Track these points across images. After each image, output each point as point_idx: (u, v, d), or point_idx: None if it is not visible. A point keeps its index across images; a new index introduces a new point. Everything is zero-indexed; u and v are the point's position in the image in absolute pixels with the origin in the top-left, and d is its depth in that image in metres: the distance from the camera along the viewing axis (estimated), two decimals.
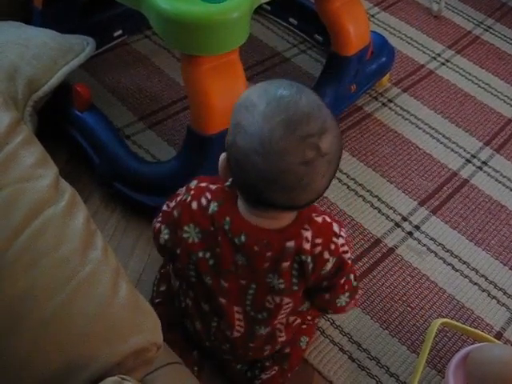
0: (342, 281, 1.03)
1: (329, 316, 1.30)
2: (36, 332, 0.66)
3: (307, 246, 0.95)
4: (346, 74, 1.64)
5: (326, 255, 0.97)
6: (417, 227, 1.51)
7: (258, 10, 1.97)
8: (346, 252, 1.00)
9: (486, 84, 1.97)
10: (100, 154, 1.41)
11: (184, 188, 1.05)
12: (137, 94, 1.69)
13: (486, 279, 1.44)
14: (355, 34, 1.60)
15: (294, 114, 0.84)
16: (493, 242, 1.52)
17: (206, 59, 1.23)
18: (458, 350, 1.25)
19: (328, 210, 1.50)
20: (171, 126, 1.62)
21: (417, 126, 1.77)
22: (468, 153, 1.73)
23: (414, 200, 1.57)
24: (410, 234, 1.50)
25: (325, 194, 1.49)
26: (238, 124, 0.88)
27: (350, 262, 1.02)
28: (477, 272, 1.45)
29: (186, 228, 0.99)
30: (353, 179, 1.59)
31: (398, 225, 1.51)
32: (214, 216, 0.96)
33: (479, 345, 1.21)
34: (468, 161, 1.71)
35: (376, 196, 1.56)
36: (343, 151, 1.64)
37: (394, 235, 1.48)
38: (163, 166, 1.40)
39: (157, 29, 1.25)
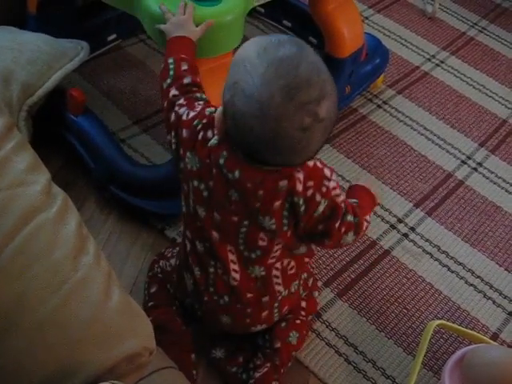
0: (337, 224, 1.02)
1: (324, 319, 1.30)
2: (28, 337, 0.66)
3: (300, 187, 0.96)
4: (341, 76, 1.64)
5: (318, 197, 0.97)
6: (412, 229, 1.51)
7: (252, 13, 1.97)
8: (338, 195, 1.00)
9: (481, 85, 1.97)
10: (95, 158, 1.41)
11: (202, 106, 1.02)
12: (132, 97, 1.69)
13: (482, 280, 1.44)
14: (349, 35, 1.60)
15: (293, 79, 0.84)
16: (488, 242, 1.52)
17: (200, 62, 1.23)
18: (454, 352, 1.25)
19: None
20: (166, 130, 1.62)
21: (412, 128, 1.78)
22: (463, 154, 1.73)
23: (410, 202, 1.57)
24: (406, 235, 1.50)
25: None
26: (236, 83, 0.87)
27: (342, 204, 1.02)
28: (473, 273, 1.45)
29: (188, 154, 1.00)
30: (348, 181, 1.59)
31: (393, 226, 1.51)
32: (211, 149, 0.97)
33: (475, 346, 1.20)
34: (463, 162, 1.71)
35: None
36: (339, 153, 1.65)
37: (389, 237, 1.48)
38: (158, 170, 1.40)
39: (150, 32, 1.25)
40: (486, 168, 1.71)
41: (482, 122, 1.85)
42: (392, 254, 1.45)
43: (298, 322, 1.20)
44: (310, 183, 0.96)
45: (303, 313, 1.22)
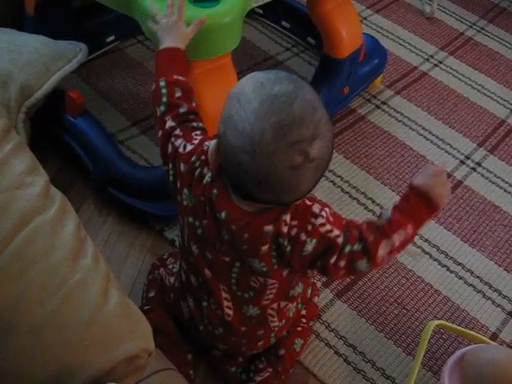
0: (333, 260, 0.95)
1: (324, 319, 1.30)
2: (26, 339, 0.66)
3: (285, 228, 0.93)
4: (339, 77, 1.64)
5: (303, 237, 0.93)
6: None
7: (251, 14, 1.97)
8: (330, 231, 0.94)
9: (480, 85, 1.97)
10: (94, 160, 1.41)
11: (199, 139, 1.00)
12: (130, 99, 1.69)
13: (481, 280, 1.44)
14: (347, 36, 1.60)
15: (286, 116, 0.82)
16: (487, 242, 1.52)
17: (199, 63, 1.23)
18: (453, 352, 1.24)
19: None
20: None
21: (410, 128, 1.78)
22: (462, 154, 1.73)
23: None
24: None
25: (318, 198, 1.50)
26: (230, 117, 0.86)
27: (339, 239, 0.94)
28: (472, 273, 1.45)
29: (185, 190, 0.98)
30: (346, 182, 1.59)
31: None
32: (206, 186, 0.96)
33: (474, 346, 1.20)
34: (462, 162, 1.71)
35: (370, 198, 1.56)
36: (337, 154, 1.65)
37: None
38: (157, 171, 1.40)
39: (149, 34, 1.25)
40: (484, 168, 1.71)
41: (480, 121, 1.85)
42: None
43: (300, 329, 1.20)
44: (294, 222, 0.93)
45: (304, 320, 1.22)
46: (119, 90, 1.71)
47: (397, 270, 1.42)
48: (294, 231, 0.93)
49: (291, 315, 1.14)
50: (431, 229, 1.52)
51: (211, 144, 0.93)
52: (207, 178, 0.96)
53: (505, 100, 1.94)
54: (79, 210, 1.41)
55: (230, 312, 1.05)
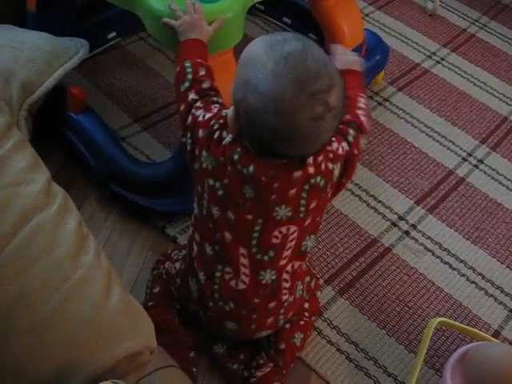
0: (355, 163, 1.09)
1: (326, 317, 1.30)
2: (28, 337, 0.66)
3: (312, 169, 0.99)
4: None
5: (330, 166, 1.02)
6: (413, 226, 1.51)
7: (252, 10, 1.97)
8: (343, 148, 1.05)
9: (482, 82, 1.97)
10: (96, 156, 1.41)
11: (218, 108, 1.05)
12: (132, 96, 1.69)
13: (484, 277, 1.43)
14: (349, 31, 1.60)
15: (302, 72, 0.88)
16: (490, 240, 1.52)
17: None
18: (455, 350, 1.24)
19: (324, 210, 1.49)
20: (166, 128, 1.62)
21: (412, 125, 1.77)
22: (464, 151, 1.73)
23: (411, 199, 1.57)
24: (407, 233, 1.49)
25: None
26: (248, 82, 0.90)
27: (355, 150, 1.07)
28: (474, 270, 1.44)
29: (204, 153, 1.02)
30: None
31: (394, 224, 1.51)
32: (226, 147, 0.99)
33: (477, 344, 1.20)
34: (464, 159, 1.71)
35: (372, 195, 1.56)
36: None
37: (390, 234, 1.48)
38: (159, 167, 1.40)
39: (151, 30, 1.25)
40: (487, 165, 1.70)
41: (482, 119, 1.84)
42: (393, 251, 1.45)
43: (302, 323, 1.20)
44: (320, 158, 1.00)
45: (307, 314, 1.22)
46: (121, 87, 1.71)
47: (399, 268, 1.42)
48: (322, 166, 1.01)
49: (298, 296, 1.14)
50: (433, 226, 1.52)
51: (229, 111, 0.97)
52: (227, 139, 0.99)
53: (507, 97, 1.93)
54: (81, 207, 1.41)
55: (246, 279, 1.06)
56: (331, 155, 1.02)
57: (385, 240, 1.47)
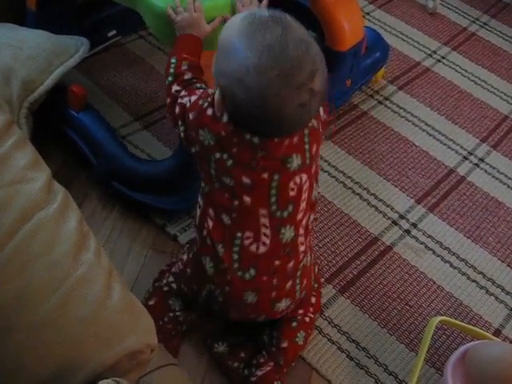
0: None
1: (327, 315, 1.30)
2: (29, 335, 0.66)
3: None
4: (341, 70, 1.63)
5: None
6: (414, 225, 1.51)
7: None
8: None
9: (483, 81, 1.97)
10: (97, 154, 1.41)
11: (202, 91, 1.08)
12: (132, 94, 1.69)
13: (484, 276, 1.43)
14: (349, 28, 1.59)
15: (285, 65, 0.90)
16: (490, 238, 1.52)
17: (202, 55, 1.23)
18: (456, 348, 1.24)
19: (325, 209, 1.50)
20: (167, 127, 1.61)
21: (413, 124, 1.77)
22: (465, 150, 1.73)
23: (411, 198, 1.57)
24: (408, 231, 1.49)
25: (321, 193, 1.51)
26: (232, 74, 0.93)
27: None
28: (475, 269, 1.44)
29: (201, 132, 1.03)
30: (349, 177, 1.58)
31: (395, 223, 1.50)
32: (225, 124, 1.00)
33: (478, 342, 1.20)
34: (465, 158, 1.70)
35: (373, 194, 1.56)
36: (340, 149, 1.65)
37: (391, 233, 1.48)
38: (160, 165, 1.40)
39: (152, 27, 1.25)
40: (487, 164, 1.70)
41: (483, 117, 1.84)
42: (394, 250, 1.45)
43: (307, 319, 1.20)
44: None
45: (311, 309, 1.22)
46: (121, 86, 1.70)
47: (400, 266, 1.42)
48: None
49: (309, 263, 1.16)
50: (434, 224, 1.52)
51: (216, 94, 0.99)
52: (225, 118, 1.00)
53: (508, 96, 1.93)
54: (82, 205, 1.40)
55: (267, 241, 1.07)
56: None
57: (385, 239, 1.47)
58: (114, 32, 1.78)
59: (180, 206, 1.38)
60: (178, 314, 1.19)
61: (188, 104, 1.06)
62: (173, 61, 1.14)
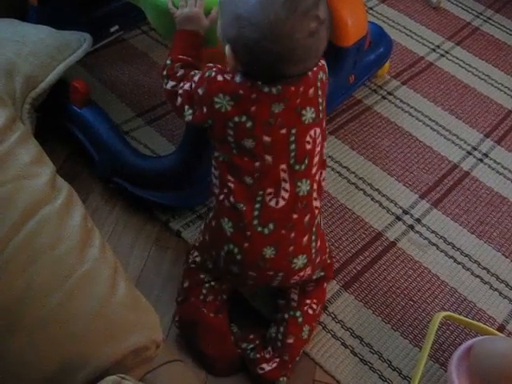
0: None
1: (331, 311, 1.30)
2: (34, 331, 0.65)
3: (321, 62, 1.09)
4: (345, 65, 1.63)
5: (322, 61, 1.10)
6: (418, 220, 1.51)
7: None
8: None
9: (486, 75, 1.96)
10: (99, 150, 1.41)
11: (200, 72, 1.10)
12: (135, 90, 1.68)
13: (488, 271, 1.43)
14: (353, 24, 1.58)
15: None
16: (494, 234, 1.51)
17: (204, 51, 1.22)
18: (460, 344, 1.24)
19: (328, 204, 1.49)
20: (170, 122, 1.61)
21: (417, 119, 1.77)
22: (469, 145, 1.72)
23: (415, 193, 1.57)
24: (412, 227, 1.49)
25: (325, 188, 1.51)
26: (239, 17, 0.96)
27: None
28: (479, 264, 1.44)
29: (216, 99, 1.05)
30: (353, 173, 1.58)
31: (399, 218, 1.50)
32: (242, 81, 1.03)
33: (482, 338, 1.20)
34: (469, 153, 1.70)
35: (377, 189, 1.55)
36: (344, 144, 1.64)
37: (395, 229, 1.48)
38: (163, 161, 1.40)
39: (154, 22, 1.24)
40: (491, 159, 1.70)
41: (487, 112, 1.83)
42: (398, 245, 1.44)
43: (311, 311, 1.20)
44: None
45: (314, 301, 1.21)
46: (124, 81, 1.70)
47: (403, 262, 1.41)
48: (319, 62, 1.09)
49: (321, 226, 1.19)
50: (438, 220, 1.51)
51: (226, 50, 1.02)
52: (237, 79, 1.03)
53: (511, 90, 1.93)
54: (85, 201, 1.40)
55: (286, 195, 1.09)
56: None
57: (389, 234, 1.46)
58: (116, 27, 1.77)
59: (183, 201, 1.38)
60: (213, 283, 1.20)
61: (193, 85, 1.09)
62: (168, 62, 1.16)
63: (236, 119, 1.04)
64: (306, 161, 1.10)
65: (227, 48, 1.01)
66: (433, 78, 1.91)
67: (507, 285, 1.41)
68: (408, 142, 1.70)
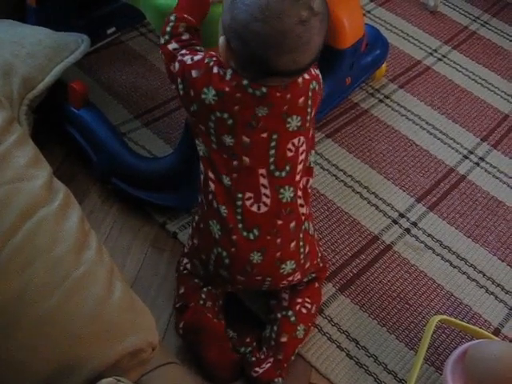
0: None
1: (326, 314, 1.30)
2: (30, 333, 0.65)
3: (307, 76, 1.08)
4: (342, 67, 1.63)
5: (316, 71, 1.11)
6: (414, 224, 1.51)
7: None
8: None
9: (483, 79, 1.96)
10: (97, 151, 1.41)
11: (204, 52, 1.09)
12: (132, 91, 1.68)
13: (484, 275, 1.43)
14: (350, 26, 1.59)
15: None
16: (490, 237, 1.52)
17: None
18: (456, 347, 1.25)
19: (325, 207, 1.50)
20: (167, 124, 1.61)
21: (414, 122, 1.77)
22: (465, 149, 1.73)
23: (411, 196, 1.57)
24: (408, 230, 1.49)
25: (321, 192, 1.51)
26: (233, 1, 0.97)
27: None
28: (475, 268, 1.44)
29: (205, 89, 1.05)
30: (350, 176, 1.58)
31: (395, 221, 1.50)
32: (229, 80, 1.04)
33: (477, 341, 1.20)
34: (465, 157, 1.70)
35: (373, 193, 1.56)
36: (340, 148, 1.65)
37: (391, 232, 1.48)
38: (161, 162, 1.40)
39: (154, 24, 1.24)
40: (487, 163, 1.70)
41: (484, 116, 1.84)
42: (394, 248, 1.45)
43: (305, 310, 1.20)
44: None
45: (308, 299, 1.22)
46: (121, 83, 1.70)
47: (399, 265, 1.42)
48: (312, 71, 1.09)
49: (311, 231, 1.18)
50: (434, 223, 1.52)
51: (220, 41, 1.03)
52: (228, 76, 1.04)
53: (508, 95, 1.93)
54: (82, 203, 1.40)
55: (268, 201, 1.09)
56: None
57: (386, 237, 1.47)
58: (113, 29, 1.77)
59: (180, 203, 1.38)
60: (210, 288, 1.20)
61: (190, 61, 1.07)
62: (172, 18, 1.13)
63: (218, 114, 1.05)
64: (288, 168, 1.09)
65: (221, 38, 1.02)
66: (430, 81, 1.92)
67: (503, 288, 1.41)
68: (405, 145, 1.70)
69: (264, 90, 1.03)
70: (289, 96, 1.05)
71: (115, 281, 0.72)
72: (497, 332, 1.33)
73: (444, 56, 2.03)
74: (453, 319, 1.29)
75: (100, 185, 1.44)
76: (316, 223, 1.45)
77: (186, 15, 1.13)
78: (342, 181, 1.57)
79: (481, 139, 1.76)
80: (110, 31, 1.76)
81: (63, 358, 0.65)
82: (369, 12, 2.14)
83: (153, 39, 1.83)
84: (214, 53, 1.08)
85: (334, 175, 1.58)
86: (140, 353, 0.69)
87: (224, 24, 1.00)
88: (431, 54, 2.03)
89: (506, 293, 1.41)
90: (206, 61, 1.06)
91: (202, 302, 1.18)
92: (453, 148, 1.72)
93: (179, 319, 1.19)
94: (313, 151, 1.17)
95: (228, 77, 1.04)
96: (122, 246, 1.35)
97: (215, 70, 1.05)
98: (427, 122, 1.78)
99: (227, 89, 1.03)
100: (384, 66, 1.84)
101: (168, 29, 1.13)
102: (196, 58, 1.08)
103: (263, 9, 0.94)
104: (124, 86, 1.69)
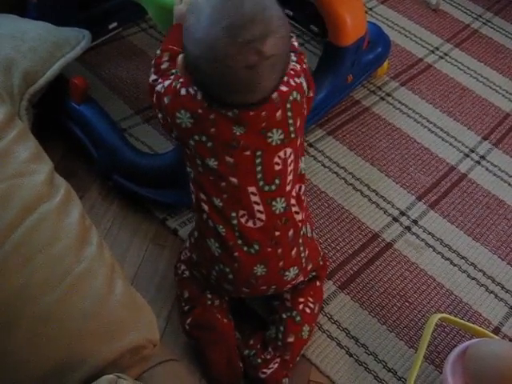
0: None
1: (326, 311, 1.30)
2: (31, 329, 0.65)
3: (284, 88, 1.02)
4: (343, 65, 1.63)
5: (297, 80, 1.05)
6: (415, 222, 1.51)
7: None
8: (295, 66, 1.07)
9: (485, 78, 1.96)
10: (98, 147, 1.41)
11: (175, 75, 1.07)
12: (133, 87, 1.68)
13: (484, 274, 1.43)
14: (352, 23, 1.58)
15: (236, 19, 0.89)
16: (491, 236, 1.51)
17: None
18: (455, 346, 1.24)
19: (325, 205, 1.49)
20: None
21: (415, 120, 1.77)
22: (466, 147, 1.72)
23: (412, 194, 1.57)
24: (408, 228, 1.49)
25: (322, 189, 1.51)
26: (188, 29, 0.94)
27: (303, 64, 1.11)
28: (475, 267, 1.44)
29: (178, 114, 1.02)
30: (350, 173, 1.58)
31: (395, 219, 1.50)
32: (201, 101, 1.00)
33: (477, 340, 1.20)
34: (466, 155, 1.70)
35: (374, 190, 1.56)
36: (341, 145, 1.64)
37: (391, 230, 1.48)
38: (161, 158, 1.40)
39: (156, 20, 1.24)
40: (489, 161, 1.70)
41: (485, 115, 1.84)
42: (394, 246, 1.45)
43: (308, 310, 1.20)
44: (285, 78, 1.03)
45: (311, 298, 1.21)
46: (122, 79, 1.70)
47: (400, 263, 1.41)
48: (291, 82, 1.03)
49: (309, 234, 1.17)
50: (434, 222, 1.51)
51: (179, 58, 1.00)
52: (199, 96, 1.01)
53: (510, 94, 1.92)
54: (82, 198, 1.40)
55: (262, 216, 1.07)
56: (292, 72, 1.05)
57: (386, 235, 1.46)
58: (114, 24, 1.77)
59: (181, 199, 1.38)
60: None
61: (161, 89, 1.06)
62: (157, 52, 1.13)
63: (196, 137, 1.03)
64: (277, 181, 1.07)
65: (180, 56, 1.00)
66: (431, 79, 1.91)
67: (503, 287, 1.41)
68: (406, 143, 1.70)
69: (236, 110, 0.99)
70: (264, 113, 1.01)
71: (116, 277, 0.72)
72: (497, 331, 1.33)
73: (446, 54, 2.02)
74: (453, 317, 1.29)
75: (100, 181, 1.44)
76: (316, 221, 1.45)
77: (171, 46, 1.13)
78: (343, 178, 1.57)
79: (482, 138, 1.76)
80: (111, 26, 1.76)
81: (64, 355, 0.65)
82: (371, 9, 2.13)
83: (154, 35, 1.83)
84: (179, 73, 1.05)
85: (335, 172, 1.57)
86: (141, 349, 0.69)
87: (183, 45, 0.97)
88: (433, 51, 2.02)
89: (506, 291, 1.40)
90: (173, 84, 1.04)
91: (209, 302, 1.17)
92: (454, 146, 1.72)
93: (186, 316, 1.18)
94: (303, 158, 1.14)
95: (199, 96, 1.00)
96: (122, 242, 1.35)
97: (183, 91, 1.02)
98: (428, 120, 1.77)
99: (200, 111, 1.00)
100: (386, 63, 1.83)
101: (152, 61, 1.13)
102: (166, 83, 1.06)
103: (211, 50, 0.91)
104: (125, 82, 1.69)
